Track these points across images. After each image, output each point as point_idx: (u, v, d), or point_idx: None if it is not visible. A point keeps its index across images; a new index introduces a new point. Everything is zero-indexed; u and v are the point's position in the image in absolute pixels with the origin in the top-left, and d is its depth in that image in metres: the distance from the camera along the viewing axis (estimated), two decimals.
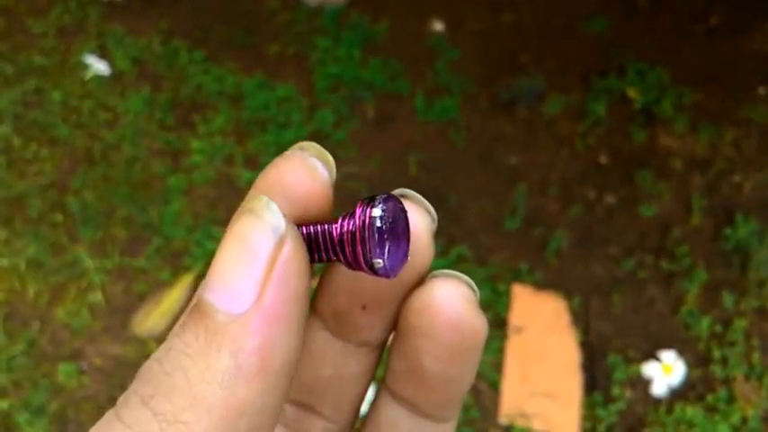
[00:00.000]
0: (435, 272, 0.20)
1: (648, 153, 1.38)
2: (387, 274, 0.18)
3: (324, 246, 0.19)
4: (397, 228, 0.19)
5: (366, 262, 0.18)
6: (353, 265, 0.18)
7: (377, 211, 0.18)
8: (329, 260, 0.19)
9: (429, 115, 1.41)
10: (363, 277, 0.19)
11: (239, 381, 0.15)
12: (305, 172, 0.19)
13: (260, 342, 0.16)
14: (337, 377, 0.21)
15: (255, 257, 0.16)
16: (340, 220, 0.18)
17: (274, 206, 0.17)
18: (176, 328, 0.17)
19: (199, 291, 0.17)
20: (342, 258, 0.19)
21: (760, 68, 1.48)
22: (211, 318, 0.16)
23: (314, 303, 0.21)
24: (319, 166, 0.19)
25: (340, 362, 0.21)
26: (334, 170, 0.20)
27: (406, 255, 0.19)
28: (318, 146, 0.20)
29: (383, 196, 0.18)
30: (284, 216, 0.17)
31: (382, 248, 0.18)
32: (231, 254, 0.16)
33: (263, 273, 0.16)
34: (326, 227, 0.19)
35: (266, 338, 0.16)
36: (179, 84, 1.43)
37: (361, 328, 0.21)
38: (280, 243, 0.16)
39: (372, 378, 0.22)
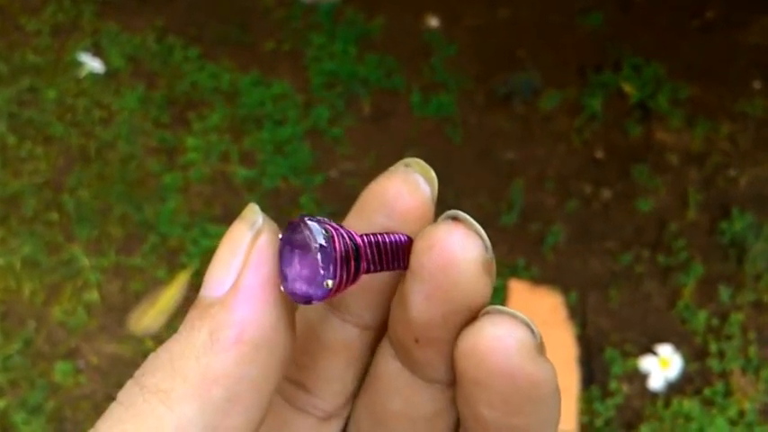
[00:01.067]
0: (489, 308, 0.17)
1: (644, 148, 1.38)
2: (296, 299, 0.18)
3: None
4: (305, 262, 0.17)
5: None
6: None
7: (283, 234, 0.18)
8: None
9: (425, 111, 1.41)
10: (407, 307, 0.18)
11: (214, 352, 0.17)
12: (406, 187, 0.20)
13: (235, 317, 0.17)
14: (407, 413, 0.20)
15: (236, 250, 0.18)
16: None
17: (256, 207, 0.18)
18: None
19: None
20: None
21: (756, 63, 1.49)
22: (199, 306, 0.18)
23: (387, 330, 0.21)
24: (421, 181, 0.20)
25: (410, 396, 0.20)
26: (437, 186, 0.20)
27: (329, 290, 0.17)
28: (422, 162, 0.20)
29: (308, 229, 0.17)
30: (263, 213, 0.18)
31: (291, 274, 0.17)
32: (219, 253, 0.18)
33: (242, 261, 0.18)
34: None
35: (241, 314, 0.17)
36: (174, 81, 1.42)
37: (421, 364, 0.19)
38: (256, 235, 0.18)
39: (453, 421, 0.20)
